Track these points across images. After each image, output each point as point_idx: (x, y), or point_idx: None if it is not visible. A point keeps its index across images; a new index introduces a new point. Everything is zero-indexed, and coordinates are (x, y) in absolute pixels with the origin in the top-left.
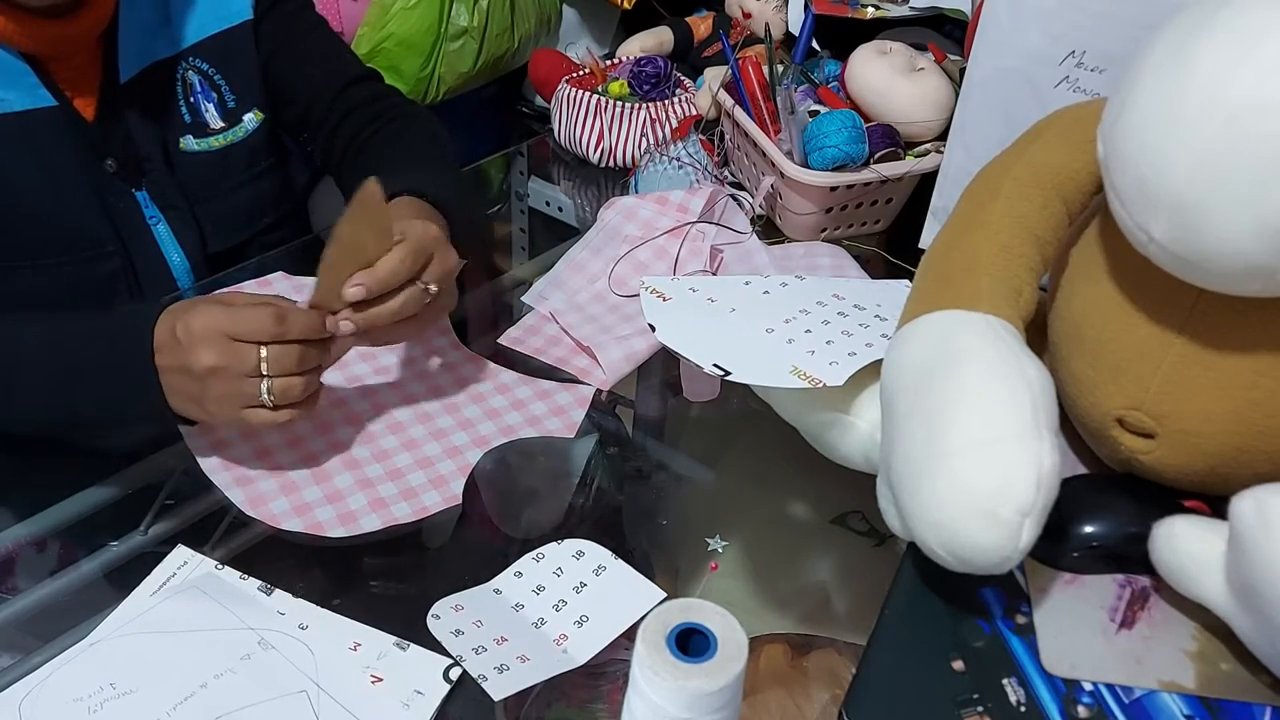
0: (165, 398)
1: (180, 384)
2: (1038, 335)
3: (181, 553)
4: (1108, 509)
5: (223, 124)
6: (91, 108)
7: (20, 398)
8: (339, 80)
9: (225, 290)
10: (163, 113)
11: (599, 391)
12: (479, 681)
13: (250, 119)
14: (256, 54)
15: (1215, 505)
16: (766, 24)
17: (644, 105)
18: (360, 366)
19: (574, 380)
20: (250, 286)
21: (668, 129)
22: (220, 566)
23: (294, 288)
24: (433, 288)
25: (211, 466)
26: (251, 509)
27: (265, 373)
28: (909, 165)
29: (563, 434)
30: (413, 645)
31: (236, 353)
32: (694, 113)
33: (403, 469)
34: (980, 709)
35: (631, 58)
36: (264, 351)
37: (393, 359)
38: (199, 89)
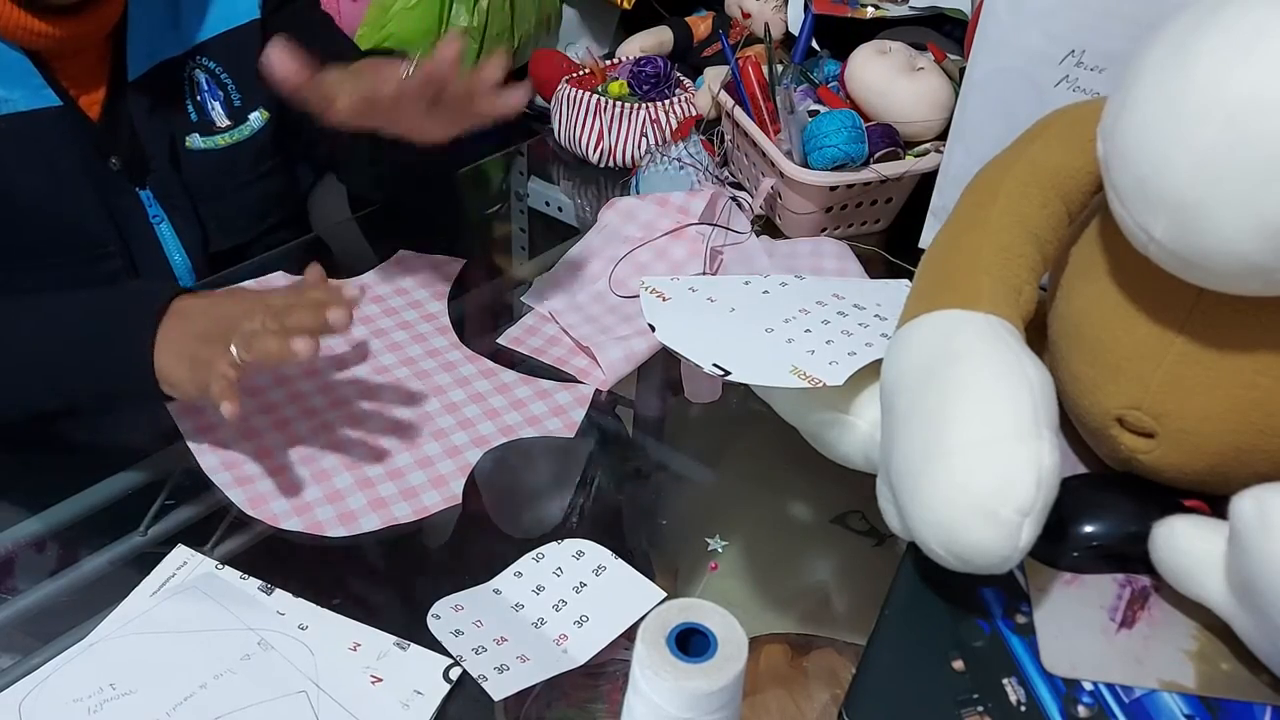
0: (154, 352)
1: (181, 339)
2: (1038, 335)
3: (181, 553)
4: (1108, 509)
5: (229, 122)
6: (97, 106)
7: (9, 366)
8: None
9: (227, 289)
10: (169, 111)
11: (599, 391)
12: (479, 681)
13: (256, 118)
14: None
15: (1215, 505)
16: (766, 24)
17: (644, 105)
18: (361, 367)
19: (574, 380)
20: (250, 286)
21: (667, 129)
22: (220, 566)
23: None
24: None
25: (211, 466)
26: (251, 509)
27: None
28: (909, 165)
29: (563, 434)
30: (413, 645)
31: (257, 303)
32: (694, 113)
33: (403, 469)
34: (980, 709)
35: (631, 58)
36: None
37: (393, 359)
38: (206, 88)
